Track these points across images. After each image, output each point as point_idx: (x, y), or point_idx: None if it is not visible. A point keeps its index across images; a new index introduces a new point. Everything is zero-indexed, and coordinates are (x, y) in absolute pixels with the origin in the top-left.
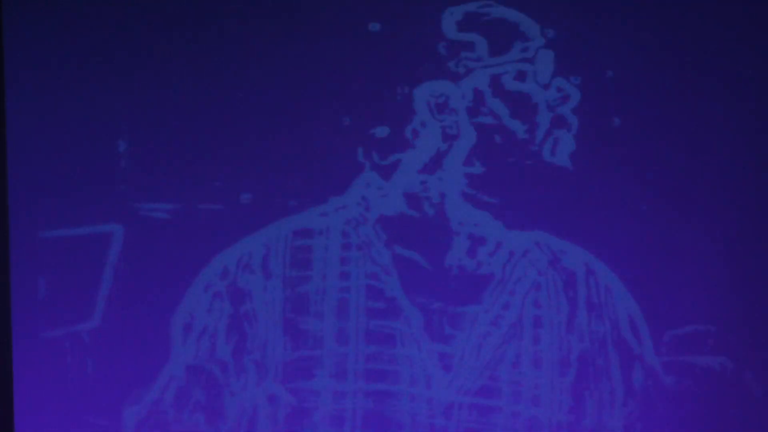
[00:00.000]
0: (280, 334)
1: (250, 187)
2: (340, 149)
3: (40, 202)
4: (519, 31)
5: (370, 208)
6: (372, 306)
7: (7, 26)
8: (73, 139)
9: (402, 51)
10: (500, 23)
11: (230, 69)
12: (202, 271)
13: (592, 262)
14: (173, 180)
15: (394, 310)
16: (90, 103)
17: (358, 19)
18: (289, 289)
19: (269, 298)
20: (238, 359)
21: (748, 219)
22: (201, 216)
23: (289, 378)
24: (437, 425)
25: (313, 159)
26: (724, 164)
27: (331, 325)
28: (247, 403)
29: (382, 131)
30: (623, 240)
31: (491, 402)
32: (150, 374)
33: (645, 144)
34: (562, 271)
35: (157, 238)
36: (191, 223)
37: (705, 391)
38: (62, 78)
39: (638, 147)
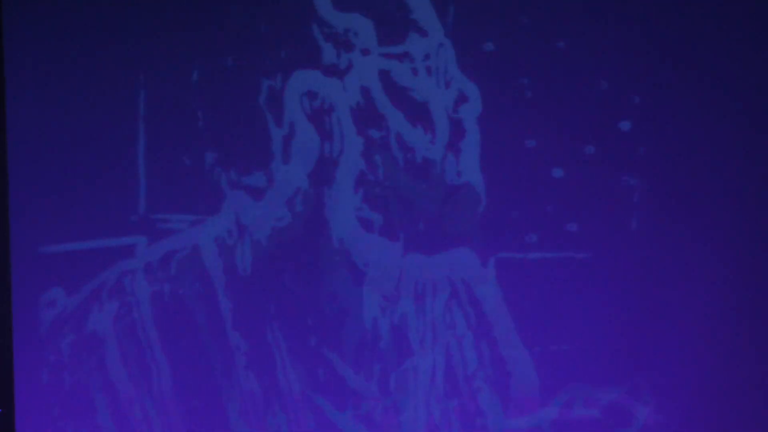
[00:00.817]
0: None
1: None
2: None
3: (41, 216)
4: (412, 18)
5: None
6: None
7: (7, 26)
8: (73, 142)
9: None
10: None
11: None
12: None
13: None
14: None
15: None
16: (89, 103)
17: None
18: None
19: None
20: None
21: (747, 224)
22: None
23: None
24: None
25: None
26: (716, 168)
27: None
28: None
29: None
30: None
31: None
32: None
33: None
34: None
35: None
36: None
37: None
38: (62, 78)
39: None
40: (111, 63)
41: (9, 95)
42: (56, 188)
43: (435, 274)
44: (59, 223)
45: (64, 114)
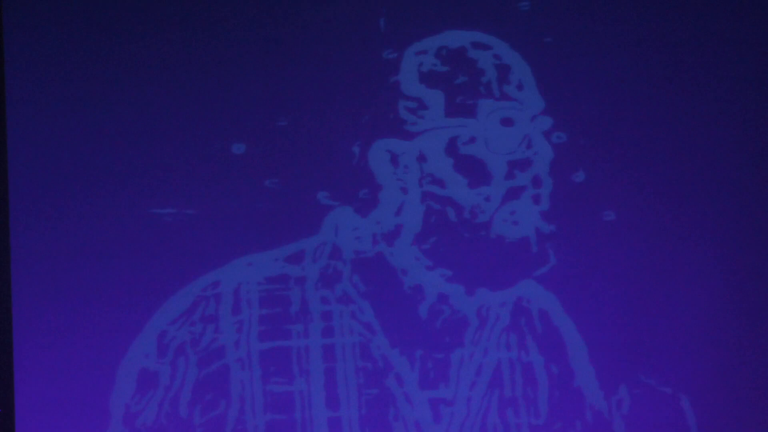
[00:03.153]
0: (259, 395)
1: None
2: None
3: (42, 215)
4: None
5: (342, 251)
6: (361, 365)
7: (8, 26)
8: (73, 143)
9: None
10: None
11: (231, 69)
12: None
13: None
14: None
15: (384, 366)
16: (90, 106)
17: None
18: (266, 343)
19: (243, 353)
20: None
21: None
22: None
23: None
24: None
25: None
26: (717, 167)
27: (318, 388)
28: None
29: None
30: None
31: None
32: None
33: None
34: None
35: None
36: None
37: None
38: (63, 79)
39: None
40: (114, 63)
41: (9, 96)
42: (57, 188)
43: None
44: (60, 222)
45: (64, 114)
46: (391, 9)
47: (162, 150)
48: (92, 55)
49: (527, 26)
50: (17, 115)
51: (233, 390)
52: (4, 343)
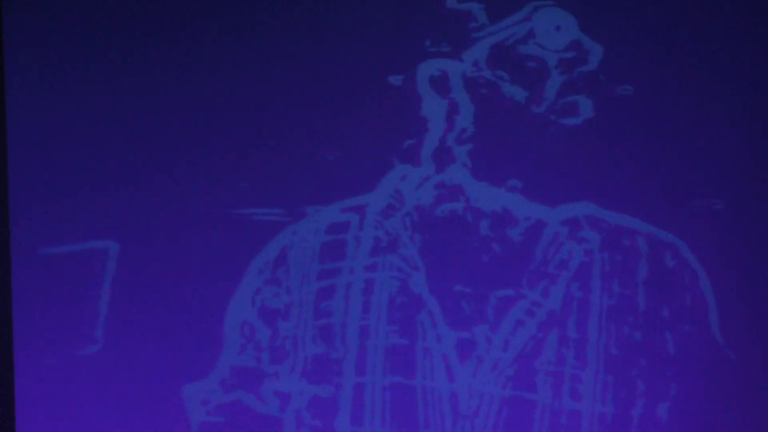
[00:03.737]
0: (310, 329)
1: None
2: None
3: (42, 217)
4: None
5: (405, 201)
6: (396, 299)
7: (8, 26)
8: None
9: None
10: None
11: (234, 69)
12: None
13: (656, 240)
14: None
15: (418, 303)
16: (90, 105)
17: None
18: (321, 282)
19: (303, 293)
20: (274, 350)
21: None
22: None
23: (315, 371)
24: (460, 422)
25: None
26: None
27: (355, 319)
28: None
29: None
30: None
31: (522, 394)
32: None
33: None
34: (621, 251)
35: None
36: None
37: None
38: (63, 79)
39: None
40: (114, 63)
41: (9, 96)
42: (57, 189)
43: None
44: (60, 222)
45: (64, 114)
46: None
47: (162, 150)
48: (92, 55)
49: None
50: (17, 115)
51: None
52: (4, 343)
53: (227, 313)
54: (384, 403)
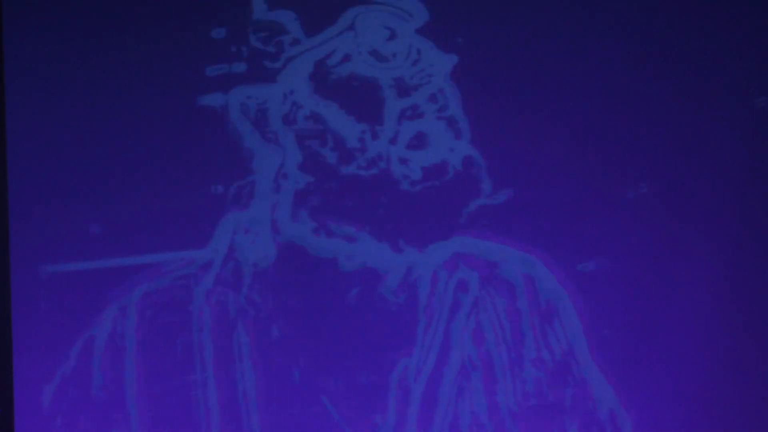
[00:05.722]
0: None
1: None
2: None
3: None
4: None
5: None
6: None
7: (8, 26)
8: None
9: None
10: None
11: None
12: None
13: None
14: None
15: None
16: (90, 105)
17: None
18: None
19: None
20: None
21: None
22: None
23: None
24: None
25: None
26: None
27: None
28: None
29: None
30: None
31: None
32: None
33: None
34: (501, 285)
35: None
36: None
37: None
38: (63, 79)
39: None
40: (114, 63)
41: (9, 96)
42: (57, 188)
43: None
44: (60, 222)
45: (64, 114)
46: None
47: (162, 150)
48: (92, 55)
49: None
50: (17, 115)
51: None
52: (4, 343)
53: None
54: None
